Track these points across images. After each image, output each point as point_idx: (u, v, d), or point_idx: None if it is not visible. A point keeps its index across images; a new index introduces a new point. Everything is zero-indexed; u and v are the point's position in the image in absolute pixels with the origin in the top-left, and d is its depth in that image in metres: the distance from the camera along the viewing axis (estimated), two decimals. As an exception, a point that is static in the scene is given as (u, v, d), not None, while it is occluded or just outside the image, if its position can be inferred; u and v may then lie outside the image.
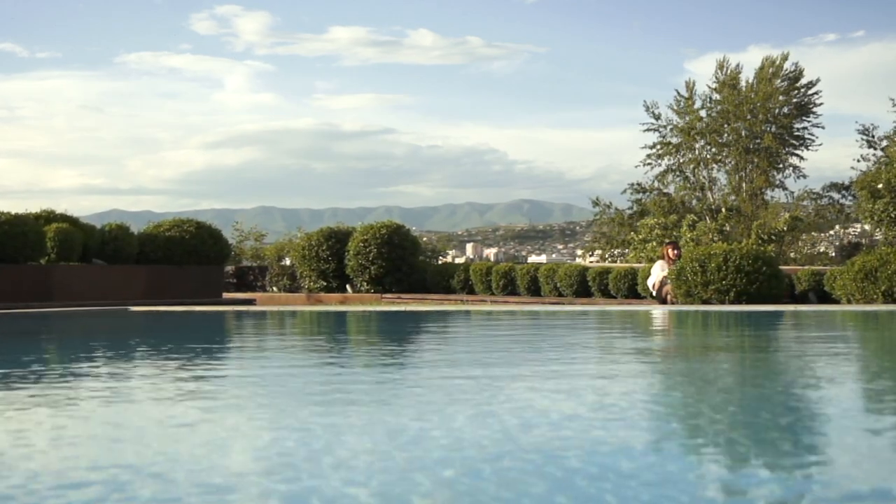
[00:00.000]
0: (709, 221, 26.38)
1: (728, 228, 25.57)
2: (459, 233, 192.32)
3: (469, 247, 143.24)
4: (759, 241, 22.20)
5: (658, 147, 30.81)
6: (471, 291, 17.98)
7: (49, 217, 15.63)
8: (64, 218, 15.77)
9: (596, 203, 31.27)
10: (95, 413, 2.92)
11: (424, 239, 31.67)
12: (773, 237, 23.39)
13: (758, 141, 29.67)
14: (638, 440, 2.35)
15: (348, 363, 4.74)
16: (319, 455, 2.16)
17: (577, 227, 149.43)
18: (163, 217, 18.27)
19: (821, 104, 30.10)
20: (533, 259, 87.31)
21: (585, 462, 2.06)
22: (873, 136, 27.67)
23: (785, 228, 24.01)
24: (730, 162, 30.45)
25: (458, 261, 33.82)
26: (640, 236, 26.61)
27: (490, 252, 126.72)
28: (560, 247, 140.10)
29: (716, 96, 30.43)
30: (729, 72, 30.27)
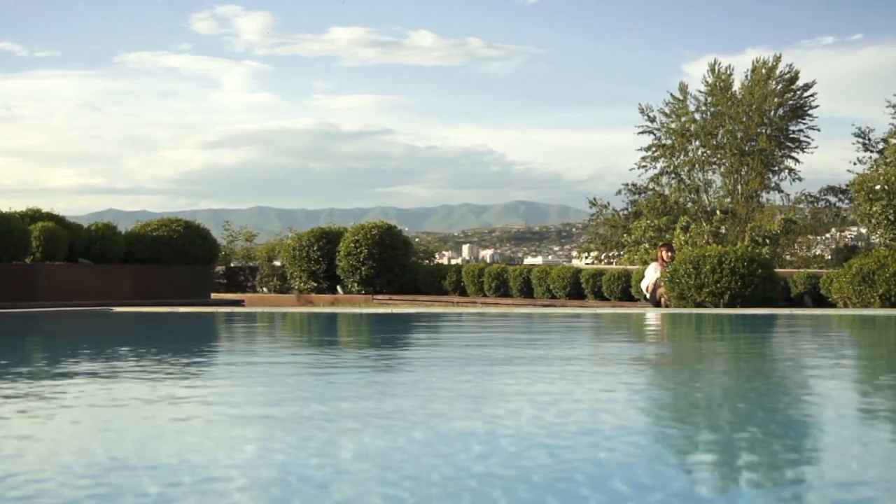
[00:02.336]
0: (704, 224, 26.20)
1: (724, 231, 25.37)
2: (456, 234, 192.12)
3: (465, 248, 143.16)
4: (754, 244, 22.00)
5: (653, 149, 30.64)
6: (463, 293, 17.77)
7: (35, 216, 15.42)
8: (50, 216, 15.56)
9: (593, 203, 31.04)
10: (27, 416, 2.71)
11: (417, 239, 31.46)
12: (768, 239, 23.18)
13: (752, 143, 29.50)
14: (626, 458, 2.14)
15: (320, 371, 4.53)
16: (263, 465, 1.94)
17: (574, 229, 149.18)
18: (160, 217, 17.74)
19: (816, 107, 29.95)
20: (529, 260, 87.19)
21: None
22: (869, 139, 27.51)
23: (779, 230, 23.81)
24: (724, 164, 30.28)
25: (454, 262, 33.58)
26: (633, 238, 26.40)
27: (486, 253, 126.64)
28: (556, 248, 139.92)
29: (709, 99, 30.24)
30: (721, 75, 30.09)
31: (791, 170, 30.07)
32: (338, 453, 2.19)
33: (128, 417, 2.82)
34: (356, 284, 18.60)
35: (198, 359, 5.11)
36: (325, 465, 2.08)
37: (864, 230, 22.72)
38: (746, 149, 29.64)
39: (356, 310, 10.94)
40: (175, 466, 2.07)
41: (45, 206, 15.95)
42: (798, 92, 29.77)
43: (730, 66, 30.49)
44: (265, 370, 4.48)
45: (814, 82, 29.95)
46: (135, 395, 3.36)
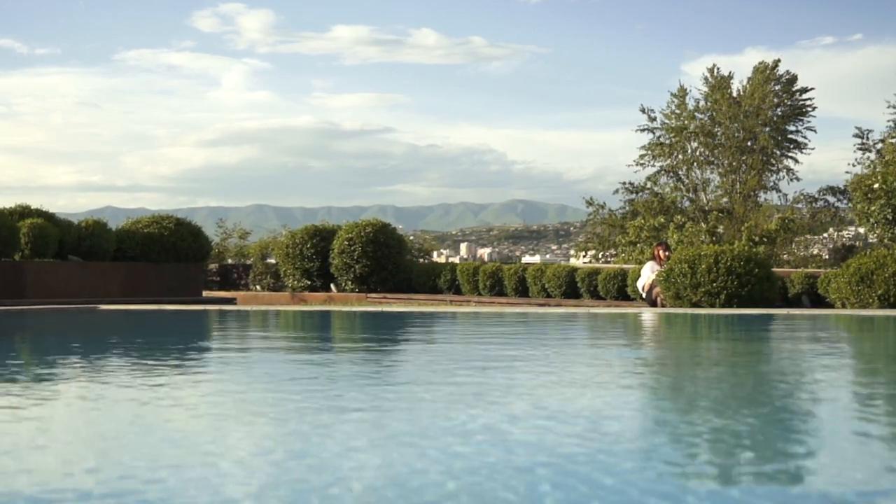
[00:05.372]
0: (701, 223, 26.04)
1: (721, 230, 25.20)
2: (454, 232, 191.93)
3: (463, 246, 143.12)
4: (751, 243, 21.82)
5: (652, 148, 30.51)
6: (457, 291, 17.62)
7: (24, 212, 15.24)
8: (39, 213, 15.37)
9: (590, 203, 30.91)
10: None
11: (411, 237, 31.27)
12: (765, 239, 23.02)
13: (750, 143, 29.40)
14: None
15: (288, 375, 4.37)
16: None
17: (572, 228, 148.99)
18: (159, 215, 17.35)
19: (814, 108, 29.88)
20: (527, 259, 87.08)
21: None
22: (868, 139, 27.38)
23: (776, 230, 23.65)
24: (723, 163, 30.16)
25: (452, 260, 33.41)
26: (628, 238, 26.24)
27: (484, 252, 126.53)
28: (554, 247, 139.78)
29: (707, 101, 30.14)
30: (720, 77, 29.98)
31: (790, 170, 30.00)
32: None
33: (92, 417, 2.67)
34: (350, 283, 18.44)
35: (174, 357, 4.95)
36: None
37: (862, 230, 22.59)
38: (745, 148, 29.53)
39: (346, 308, 10.77)
40: (140, 463, 1.92)
41: (44, 204, 15.79)
42: (796, 94, 29.71)
43: (731, 72, 30.43)
44: (226, 369, 4.33)
45: (811, 87, 30.00)
46: (101, 393, 3.20)
